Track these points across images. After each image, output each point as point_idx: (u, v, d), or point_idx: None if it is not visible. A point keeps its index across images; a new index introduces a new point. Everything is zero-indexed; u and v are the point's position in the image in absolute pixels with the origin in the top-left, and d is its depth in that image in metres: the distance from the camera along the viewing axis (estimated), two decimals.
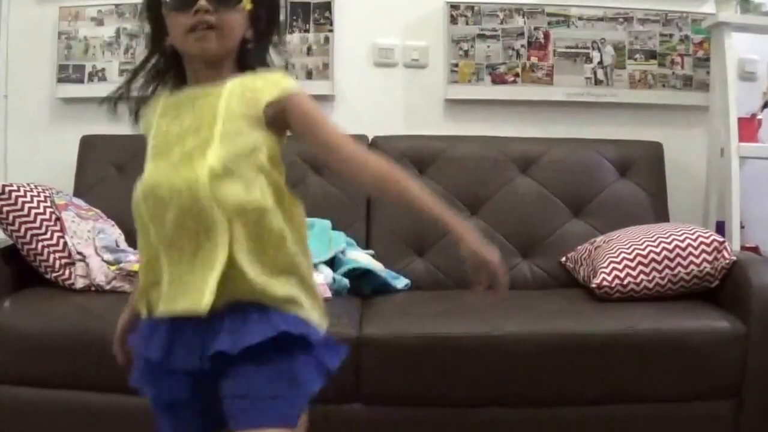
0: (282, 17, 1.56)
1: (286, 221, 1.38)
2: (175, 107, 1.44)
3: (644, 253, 2.29)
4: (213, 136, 1.35)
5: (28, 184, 2.47)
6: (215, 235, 1.30)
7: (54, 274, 2.38)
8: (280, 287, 1.35)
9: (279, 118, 1.40)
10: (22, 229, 2.37)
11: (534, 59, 3.13)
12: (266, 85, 1.40)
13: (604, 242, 2.47)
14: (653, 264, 2.27)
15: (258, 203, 1.34)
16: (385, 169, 1.39)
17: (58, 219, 2.43)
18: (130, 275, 2.35)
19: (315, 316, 1.41)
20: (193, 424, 1.41)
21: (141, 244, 1.43)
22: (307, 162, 2.89)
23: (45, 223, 2.40)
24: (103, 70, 3.15)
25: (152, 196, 1.38)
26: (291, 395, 1.32)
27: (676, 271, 2.27)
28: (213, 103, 1.38)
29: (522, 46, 3.13)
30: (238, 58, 1.47)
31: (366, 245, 2.72)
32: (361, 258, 2.52)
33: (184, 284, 1.32)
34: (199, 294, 1.28)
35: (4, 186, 2.39)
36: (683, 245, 2.28)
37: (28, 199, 2.40)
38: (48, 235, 2.39)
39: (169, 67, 1.51)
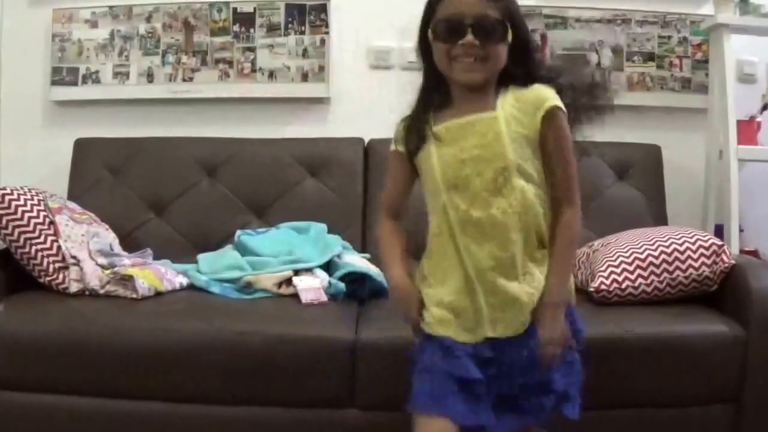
0: (534, 43, 1.64)
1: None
2: (449, 136, 1.54)
3: (642, 257, 2.27)
4: (509, 166, 1.49)
5: (22, 188, 2.45)
6: (533, 258, 1.54)
7: (48, 279, 2.36)
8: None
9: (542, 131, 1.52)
10: (16, 233, 2.36)
11: None
12: (537, 101, 1.51)
13: (602, 246, 2.46)
14: (651, 268, 2.26)
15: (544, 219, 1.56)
16: (575, 237, 1.58)
17: (51, 223, 2.41)
18: (124, 279, 2.33)
19: None
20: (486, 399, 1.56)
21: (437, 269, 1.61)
22: (303, 165, 2.87)
23: (39, 226, 2.38)
24: (97, 72, 3.13)
25: (469, 228, 1.52)
26: None
27: (674, 275, 2.25)
28: (494, 130, 1.50)
29: None
30: (500, 78, 1.56)
31: (362, 249, 2.70)
32: (358, 262, 2.50)
33: (513, 311, 1.54)
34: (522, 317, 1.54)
35: None
36: (682, 249, 2.27)
37: (22, 202, 2.39)
38: (42, 239, 2.37)
39: (435, 86, 1.61)
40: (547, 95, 1.52)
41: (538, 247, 1.55)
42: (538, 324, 1.53)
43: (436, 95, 1.60)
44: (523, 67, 1.56)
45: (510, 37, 1.51)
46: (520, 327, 1.54)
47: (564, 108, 1.53)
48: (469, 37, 1.47)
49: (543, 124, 1.51)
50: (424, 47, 1.59)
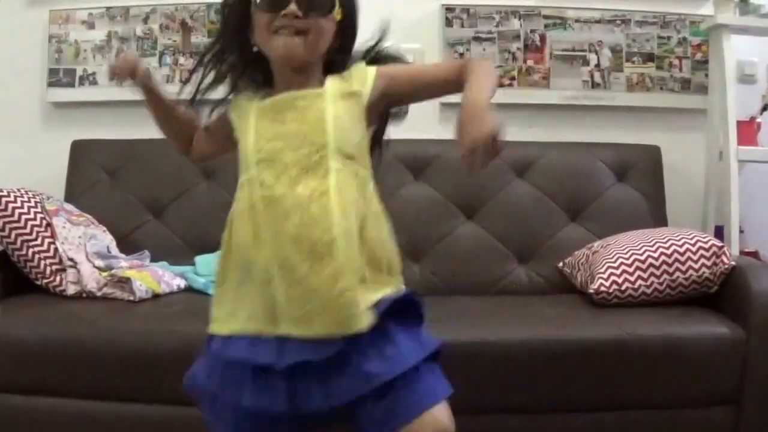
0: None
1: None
2: (273, 110, 1.42)
3: (642, 258, 2.27)
4: (327, 144, 1.35)
5: (19, 190, 2.45)
6: (339, 245, 1.31)
7: (45, 281, 2.36)
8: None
9: (378, 101, 1.43)
10: (13, 235, 2.36)
11: (530, 62, 3.10)
12: (359, 77, 1.43)
13: (601, 247, 2.45)
14: (651, 269, 2.25)
15: (370, 206, 1.41)
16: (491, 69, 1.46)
17: (48, 225, 2.41)
18: (121, 281, 2.33)
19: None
20: None
21: (235, 252, 1.42)
22: None
23: (36, 229, 2.38)
24: (94, 73, 3.12)
25: (270, 207, 1.35)
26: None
27: (674, 277, 2.24)
28: (318, 106, 1.39)
29: (518, 48, 3.11)
30: (325, 66, 1.47)
31: None
32: None
33: (314, 302, 1.31)
34: (343, 313, 1.30)
35: None
36: (682, 250, 2.26)
37: (19, 204, 2.38)
38: (39, 241, 2.37)
39: (253, 66, 1.49)
40: (370, 67, 1.47)
41: (370, 266, 1.37)
42: (458, 126, 1.25)
43: (259, 74, 1.49)
44: (346, 49, 1.51)
45: (338, 14, 1.44)
46: (330, 329, 1.31)
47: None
48: (292, 7, 1.36)
49: (376, 83, 1.43)
50: (241, 20, 1.45)
